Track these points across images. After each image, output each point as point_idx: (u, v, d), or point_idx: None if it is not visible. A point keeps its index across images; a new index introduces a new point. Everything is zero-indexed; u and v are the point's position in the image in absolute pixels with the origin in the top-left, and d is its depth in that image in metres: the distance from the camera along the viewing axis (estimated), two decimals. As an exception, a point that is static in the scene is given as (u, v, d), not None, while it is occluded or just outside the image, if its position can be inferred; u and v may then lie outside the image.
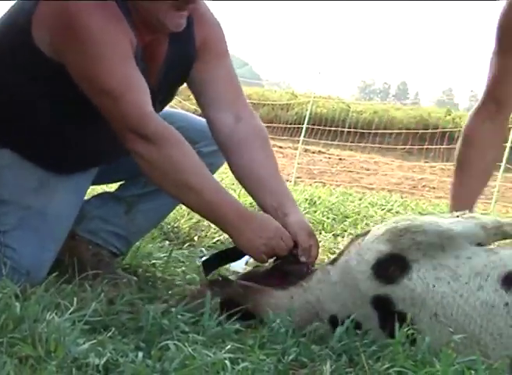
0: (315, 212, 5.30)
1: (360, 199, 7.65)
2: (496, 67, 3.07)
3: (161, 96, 2.73)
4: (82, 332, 2.01)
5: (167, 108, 2.94)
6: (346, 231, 4.75)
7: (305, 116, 15.37)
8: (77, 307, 2.19)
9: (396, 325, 2.23)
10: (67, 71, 2.52)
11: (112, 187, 3.24)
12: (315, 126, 15.70)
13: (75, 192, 2.79)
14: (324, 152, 16.50)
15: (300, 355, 2.11)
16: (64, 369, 1.78)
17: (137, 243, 3.12)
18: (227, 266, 3.28)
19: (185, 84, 2.83)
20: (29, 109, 2.63)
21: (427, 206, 7.55)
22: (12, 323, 1.96)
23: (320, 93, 19.75)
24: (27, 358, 1.81)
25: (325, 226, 4.83)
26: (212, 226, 4.24)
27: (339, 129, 16.63)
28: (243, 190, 3.11)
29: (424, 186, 12.98)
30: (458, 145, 3.21)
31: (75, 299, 2.26)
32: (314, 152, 16.23)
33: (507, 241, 2.53)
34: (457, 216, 2.41)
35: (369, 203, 7.35)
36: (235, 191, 5.30)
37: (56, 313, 2.08)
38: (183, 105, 15.99)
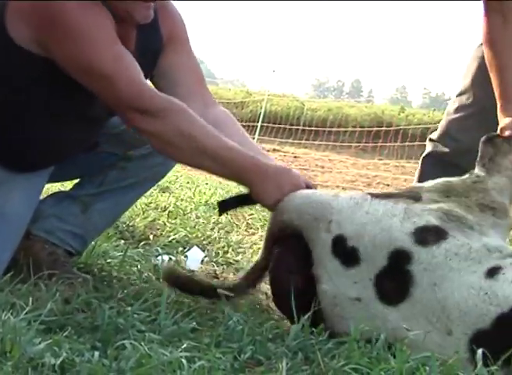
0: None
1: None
2: None
3: None
4: (38, 332, 2.01)
5: None
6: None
7: (260, 114, 15.46)
8: (33, 307, 2.19)
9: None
10: (33, 67, 2.53)
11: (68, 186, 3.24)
12: (270, 124, 15.78)
13: (31, 191, 2.79)
14: (279, 150, 16.50)
15: (256, 353, 2.12)
16: (20, 370, 1.77)
17: (93, 242, 3.11)
18: (183, 264, 3.30)
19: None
20: None
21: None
22: (-34, 323, 1.96)
23: (274, 91, 19.84)
24: (-17, 359, 1.81)
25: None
26: (167, 225, 4.27)
27: (294, 127, 16.72)
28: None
29: (378, 183, 13.02)
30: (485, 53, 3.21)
31: (30, 299, 2.25)
32: (268, 150, 16.19)
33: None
34: None
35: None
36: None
37: (12, 313, 2.08)
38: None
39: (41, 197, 2.97)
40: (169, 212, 4.77)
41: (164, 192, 5.83)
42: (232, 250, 3.78)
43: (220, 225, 4.32)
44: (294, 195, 2.58)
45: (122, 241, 3.53)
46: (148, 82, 2.71)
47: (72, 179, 3.14)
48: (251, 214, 4.73)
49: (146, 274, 2.95)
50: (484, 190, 2.63)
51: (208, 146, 2.54)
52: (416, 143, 12.44)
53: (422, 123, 16.37)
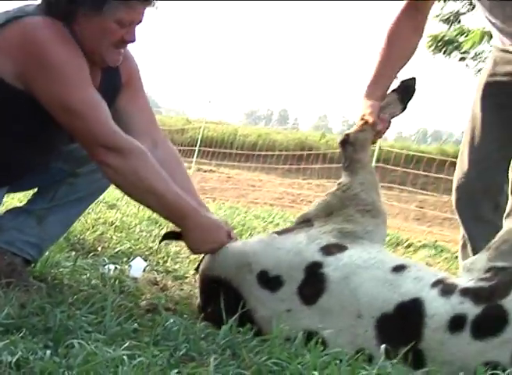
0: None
1: (245, 212, 7.70)
2: None
3: None
4: (-4, 333, 2.00)
5: None
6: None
7: (198, 139, 15.41)
8: (-9, 311, 2.17)
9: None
10: (14, 100, 2.54)
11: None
12: (207, 148, 15.75)
13: None
14: (214, 171, 16.48)
15: (190, 351, 2.13)
16: (-21, 367, 1.75)
17: (47, 253, 3.07)
18: (127, 273, 3.29)
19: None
20: None
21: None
22: None
23: (211, 119, 19.76)
24: None
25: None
26: (114, 238, 4.25)
27: (228, 150, 16.71)
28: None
29: (302, 200, 13.06)
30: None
31: (-11, 304, 2.23)
32: (206, 171, 16.20)
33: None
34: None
35: (253, 216, 7.41)
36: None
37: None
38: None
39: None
40: (116, 226, 4.74)
41: (111, 208, 5.80)
42: (171, 259, 3.76)
43: (160, 238, 4.33)
44: (215, 256, 2.66)
45: (73, 253, 3.48)
46: None
47: (26, 190, 3.15)
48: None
49: (94, 282, 2.92)
50: (354, 196, 2.67)
51: (157, 189, 2.57)
52: (334, 165, 12.49)
53: (340, 148, 16.40)
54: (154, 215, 5.18)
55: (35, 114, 2.55)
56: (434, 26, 15.43)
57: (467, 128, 3.40)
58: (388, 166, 12.31)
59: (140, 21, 2.61)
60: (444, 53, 15.17)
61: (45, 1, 2.56)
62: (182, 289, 3.21)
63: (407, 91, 2.94)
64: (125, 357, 1.88)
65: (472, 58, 15.46)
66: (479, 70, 13.79)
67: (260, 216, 7.54)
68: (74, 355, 1.87)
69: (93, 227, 4.45)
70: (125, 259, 3.64)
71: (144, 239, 4.34)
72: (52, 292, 2.66)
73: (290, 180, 15.81)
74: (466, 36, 14.17)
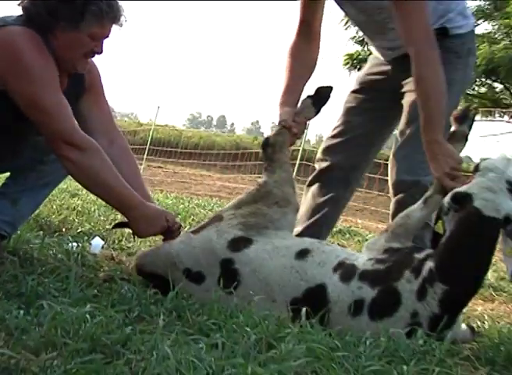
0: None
1: (188, 202, 7.71)
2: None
3: None
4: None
5: None
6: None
7: (148, 140, 15.31)
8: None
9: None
10: None
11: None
12: (156, 147, 15.65)
13: None
14: (162, 167, 16.37)
15: (142, 312, 2.16)
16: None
17: (18, 232, 3.06)
18: (87, 249, 3.30)
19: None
20: None
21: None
22: None
23: (159, 122, 19.64)
24: None
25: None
26: (76, 220, 4.24)
27: (174, 149, 16.63)
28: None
29: (237, 193, 13.06)
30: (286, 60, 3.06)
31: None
32: (155, 167, 16.08)
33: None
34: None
35: (195, 204, 7.42)
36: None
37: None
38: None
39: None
40: (78, 211, 4.74)
41: (74, 197, 5.77)
42: (126, 239, 3.76)
43: (116, 221, 4.34)
44: (147, 256, 2.70)
45: (41, 232, 3.46)
46: None
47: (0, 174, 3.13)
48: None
49: (59, 256, 2.91)
50: (267, 192, 2.64)
51: (108, 182, 2.58)
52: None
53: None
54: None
55: (10, 109, 2.54)
56: (350, 46, 15.63)
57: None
58: (310, 164, 12.42)
59: (108, 36, 2.64)
60: (359, 70, 15.32)
61: (26, 13, 2.56)
62: (134, 263, 3.22)
63: (320, 96, 2.89)
64: (87, 315, 1.89)
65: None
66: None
67: (201, 204, 7.55)
68: (43, 314, 1.89)
69: (58, 212, 4.44)
70: (86, 238, 3.63)
71: (102, 222, 4.35)
72: (24, 264, 2.66)
73: (227, 176, 15.80)
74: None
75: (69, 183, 6.22)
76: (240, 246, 2.51)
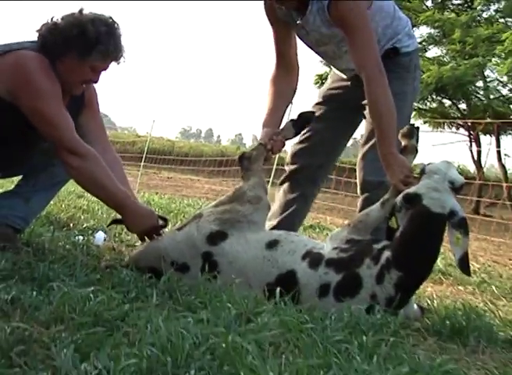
0: (151, 209, 5.31)
1: (180, 202, 7.73)
2: (274, 35, 3.02)
3: None
4: (-5, 279, 2.01)
5: None
6: (170, 220, 4.81)
7: (145, 150, 15.28)
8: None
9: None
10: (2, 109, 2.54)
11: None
12: (152, 156, 15.63)
13: None
14: (157, 173, 16.35)
15: (139, 294, 2.16)
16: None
17: (32, 227, 3.07)
18: (92, 242, 3.30)
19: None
20: None
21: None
22: None
23: (155, 134, 19.63)
24: None
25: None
26: (82, 217, 4.24)
27: (167, 157, 16.63)
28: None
29: (222, 195, 13.07)
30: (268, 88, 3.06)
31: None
32: (151, 173, 16.08)
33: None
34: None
35: (186, 204, 7.45)
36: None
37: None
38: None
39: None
40: (83, 209, 4.75)
41: (80, 197, 5.78)
42: (125, 233, 3.75)
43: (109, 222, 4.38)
44: (143, 251, 2.67)
45: (52, 227, 3.45)
46: None
47: (16, 176, 3.13)
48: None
49: (67, 247, 2.92)
50: (242, 194, 2.65)
51: (106, 185, 2.60)
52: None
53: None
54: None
55: (21, 120, 2.56)
56: (319, 67, 15.70)
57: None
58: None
59: (106, 70, 2.68)
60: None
61: (41, 40, 2.61)
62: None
63: (301, 121, 2.92)
64: (91, 295, 1.90)
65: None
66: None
67: (191, 204, 7.58)
68: (53, 294, 1.90)
69: (66, 210, 4.45)
70: (90, 232, 3.63)
71: (104, 218, 4.34)
72: (36, 253, 2.66)
73: (213, 180, 15.80)
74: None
75: (76, 186, 6.21)
76: (217, 240, 2.51)
